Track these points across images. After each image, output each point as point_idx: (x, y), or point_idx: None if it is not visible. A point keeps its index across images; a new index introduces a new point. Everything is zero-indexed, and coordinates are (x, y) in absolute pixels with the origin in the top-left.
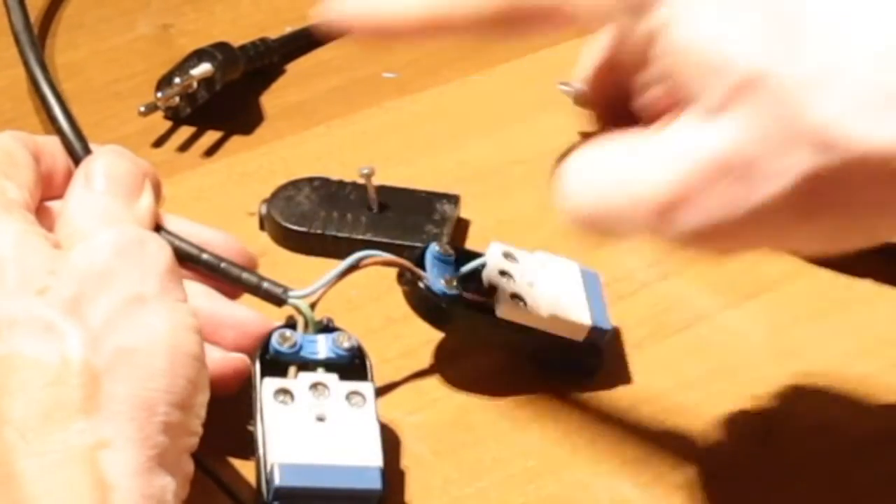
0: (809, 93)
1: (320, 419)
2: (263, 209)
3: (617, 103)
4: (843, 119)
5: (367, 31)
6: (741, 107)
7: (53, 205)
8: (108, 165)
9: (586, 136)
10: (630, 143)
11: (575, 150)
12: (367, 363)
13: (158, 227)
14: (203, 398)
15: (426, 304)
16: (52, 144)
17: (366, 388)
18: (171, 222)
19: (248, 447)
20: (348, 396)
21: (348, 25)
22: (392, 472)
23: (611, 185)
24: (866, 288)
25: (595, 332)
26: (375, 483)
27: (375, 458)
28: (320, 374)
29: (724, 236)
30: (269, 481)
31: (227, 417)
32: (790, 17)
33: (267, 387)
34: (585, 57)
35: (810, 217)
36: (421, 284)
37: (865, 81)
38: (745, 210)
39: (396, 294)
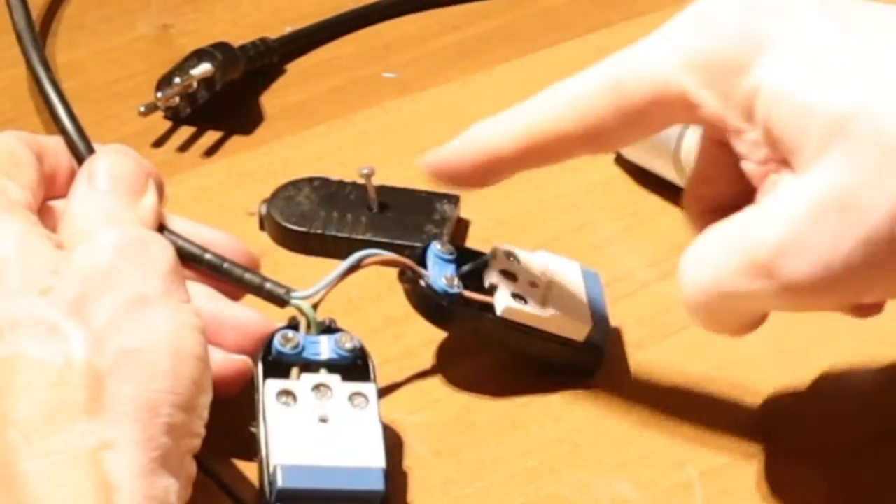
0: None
1: (323, 420)
2: (263, 209)
3: (716, 212)
4: None
5: (477, 176)
6: (839, 145)
7: (57, 204)
8: (111, 165)
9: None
10: (738, 217)
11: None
12: (370, 364)
13: (162, 227)
14: (206, 399)
15: (427, 303)
16: (56, 144)
17: (368, 389)
18: (173, 222)
19: (249, 449)
20: (351, 397)
21: (454, 176)
22: (393, 473)
23: (723, 254)
24: None
25: (595, 331)
26: (378, 484)
27: (378, 460)
28: (323, 376)
29: (836, 281)
30: (271, 483)
31: (229, 419)
32: (873, 58)
33: (269, 388)
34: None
35: None
36: (422, 283)
37: None
38: (852, 245)
39: (397, 295)
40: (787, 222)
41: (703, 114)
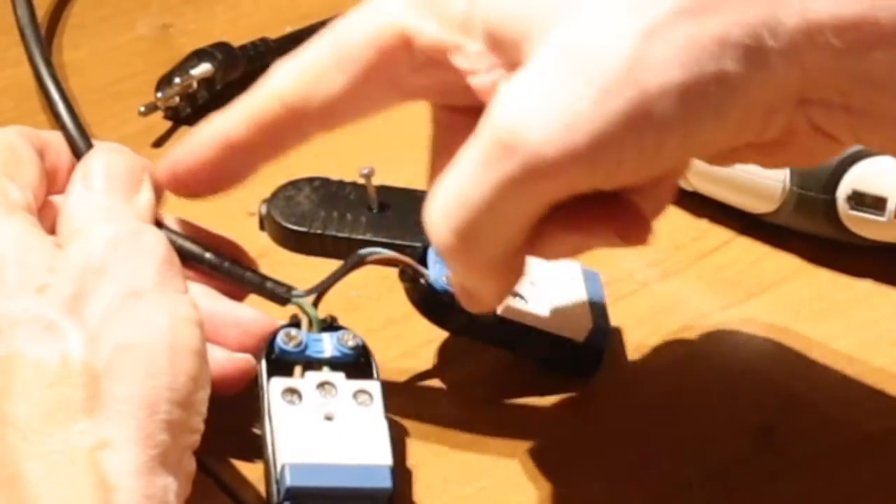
0: None
1: (328, 418)
2: (263, 209)
3: None
4: None
5: (215, 173)
6: (564, 13)
7: (58, 199)
8: (106, 163)
9: None
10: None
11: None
12: (373, 362)
13: (160, 225)
14: (204, 394)
15: (427, 302)
16: (57, 139)
17: (372, 386)
18: (172, 224)
19: (250, 448)
20: (356, 395)
21: (190, 179)
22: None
23: (460, 166)
24: (866, 288)
25: (595, 331)
26: (386, 482)
27: (385, 457)
28: (327, 373)
29: (581, 145)
30: (279, 482)
31: (229, 418)
32: None
33: (274, 387)
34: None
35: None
36: (423, 282)
37: None
38: (591, 99)
39: (397, 294)
40: (522, 93)
41: (421, 44)
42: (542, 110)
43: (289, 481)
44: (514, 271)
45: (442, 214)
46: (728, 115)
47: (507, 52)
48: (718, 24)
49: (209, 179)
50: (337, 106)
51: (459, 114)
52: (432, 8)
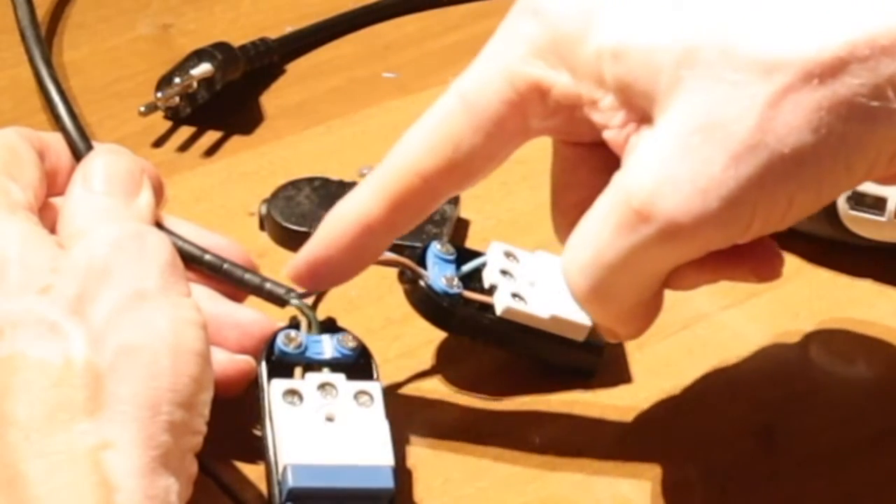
0: (743, 36)
1: (330, 419)
2: (263, 209)
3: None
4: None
5: (353, 261)
6: (690, 75)
7: (58, 201)
8: (105, 165)
9: None
10: (605, 190)
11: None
12: (373, 363)
13: (159, 227)
14: (207, 396)
15: (427, 303)
16: (57, 141)
17: (373, 387)
18: (172, 225)
19: (251, 449)
20: (356, 396)
21: (328, 271)
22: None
23: (596, 225)
24: (866, 288)
25: (595, 332)
26: (388, 482)
27: (387, 457)
28: (327, 375)
29: (714, 210)
30: (281, 483)
31: (229, 419)
32: None
33: (275, 388)
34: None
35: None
36: (422, 283)
37: None
38: (723, 165)
39: (396, 295)
40: (654, 160)
41: (556, 95)
42: (675, 178)
43: (290, 482)
44: (651, 311)
45: (578, 272)
46: (857, 168)
47: (637, 107)
48: (846, 88)
49: (348, 267)
50: (474, 166)
51: (582, 148)
52: (562, 59)
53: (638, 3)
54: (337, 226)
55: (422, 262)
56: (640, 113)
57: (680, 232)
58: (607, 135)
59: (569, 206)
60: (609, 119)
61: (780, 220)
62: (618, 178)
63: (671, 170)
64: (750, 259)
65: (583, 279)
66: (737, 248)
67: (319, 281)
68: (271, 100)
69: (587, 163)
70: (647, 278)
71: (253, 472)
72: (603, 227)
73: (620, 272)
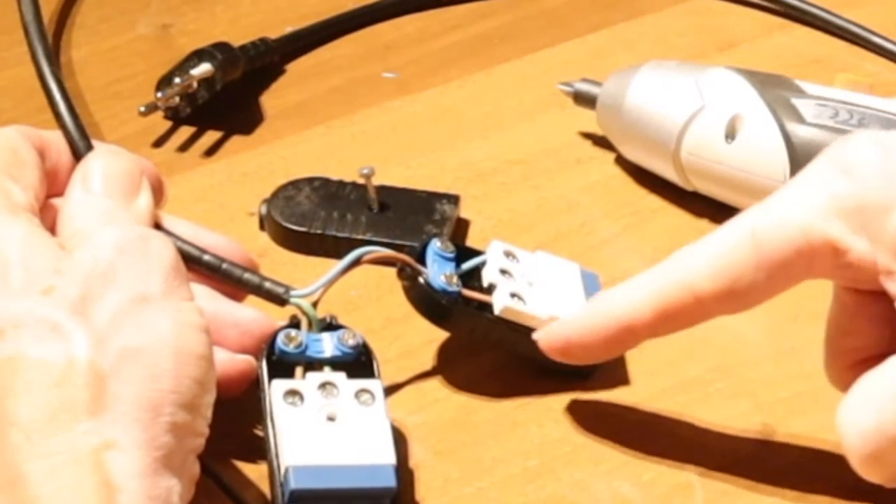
0: None
1: (331, 419)
2: (263, 209)
3: (862, 363)
4: None
5: (607, 349)
6: None
7: (58, 202)
8: (105, 166)
9: None
10: None
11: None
12: (374, 360)
13: (158, 228)
14: (210, 398)
15: (426, 301)
16: (57, 139)
17: (374, 385)
18: (172, 225)
19: (252, 450)
20: (357, 394)
21: (582, 352)
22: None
23: (887, 398)
24: None
25: None
26: (390, 481)
27: (388, 456)
28: (328, 374)
29: None
30: (283, 484)
31: (230, 419)
32: None
33: (276, 389)
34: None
35: None
36: (421, 280)
37: None
38: None
39: (396, 294)
40: None
41: (851, 259)
42: None
43: (292, 484)
44: None
45: (858, 436)
46: None
47: None
48: None
49: (599, 355)
50: (749, 297)
51: (863, 296)
52: (865, 225)
53: None
54: (603, 318)
55: (421, 260)
56: None
57: None
58: None
59: (844, 351)
60: None
61: None
62: None
63: None
64: None
65: (861, 444)
66: None
67: (567, 357)
68: (271, 100)
69: (867, 311)
70: None
71: (254, 473)
72: (892, 402)
73: None
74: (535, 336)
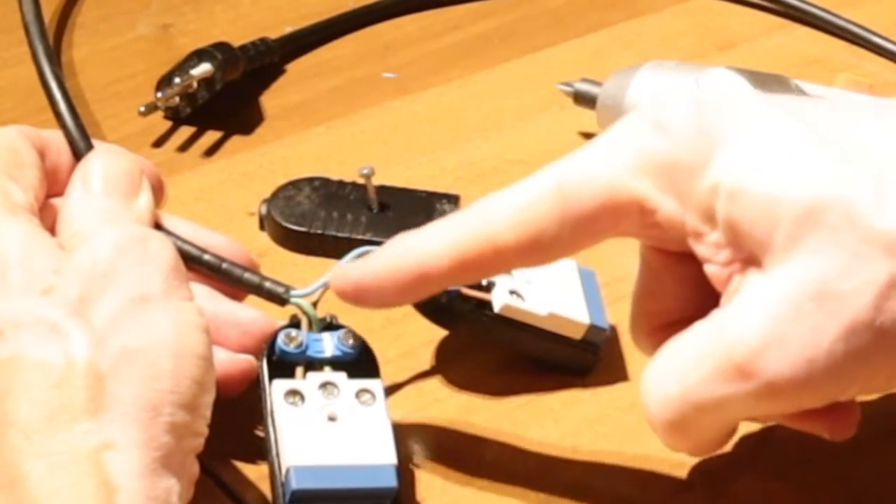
0: (872, 206)
1: (332, 419)
2: (263, 209)
3: (667, 328)
4: None
5: (399, 295)
6: (811, 235)
7: (58, 202)
8: (105, 166)
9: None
10: (704, 323)
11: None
12: (374, 360)
13: (158, 227)
14: (209, 398)
15: (425, 299)
16: (57, 139)
17: (375, 385)
18: (172, 224)
19: (252, 450)
20: (358, 394)
21: (373, 296)
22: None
23: (691, 362)
24: None
25: (593, 330)
26: (391, 481)
27: (389, 456)
28: (329, 374)
29: (818, 377)
30: (284, 484)
31: (230, 420)
32: (833, 148)
33: (277, 389)
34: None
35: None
36: None
37: None
38: (834, 337)
39: None
40: (764, 319)
41: (659, 218)
42: (783, 342)
43: (294, 484)
44: (724, 439)
45: (661, 403)
46: None
47: (746, 249)
48: None
49: (392, 300)
50: (552, 251)
51: (669, 256)
52: (674, 184)
53: (767, 140)
54: (397, 261)
55: None
56: (748, 254)
57: (779, 394)
58: (709, 269)
59: (649, 313)
60: (713, 255)
61: (876, 389)
62: (719, 320)
63: (780, 332)
64: (828, 418)
65: (664, 411)
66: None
67: (359, 301)
68: (271, 100)
69: (673, 272)
70: (730, 421)
71: (254, 473)
72: (696, 368)
73: (705, 413)
74: (325, 278)
